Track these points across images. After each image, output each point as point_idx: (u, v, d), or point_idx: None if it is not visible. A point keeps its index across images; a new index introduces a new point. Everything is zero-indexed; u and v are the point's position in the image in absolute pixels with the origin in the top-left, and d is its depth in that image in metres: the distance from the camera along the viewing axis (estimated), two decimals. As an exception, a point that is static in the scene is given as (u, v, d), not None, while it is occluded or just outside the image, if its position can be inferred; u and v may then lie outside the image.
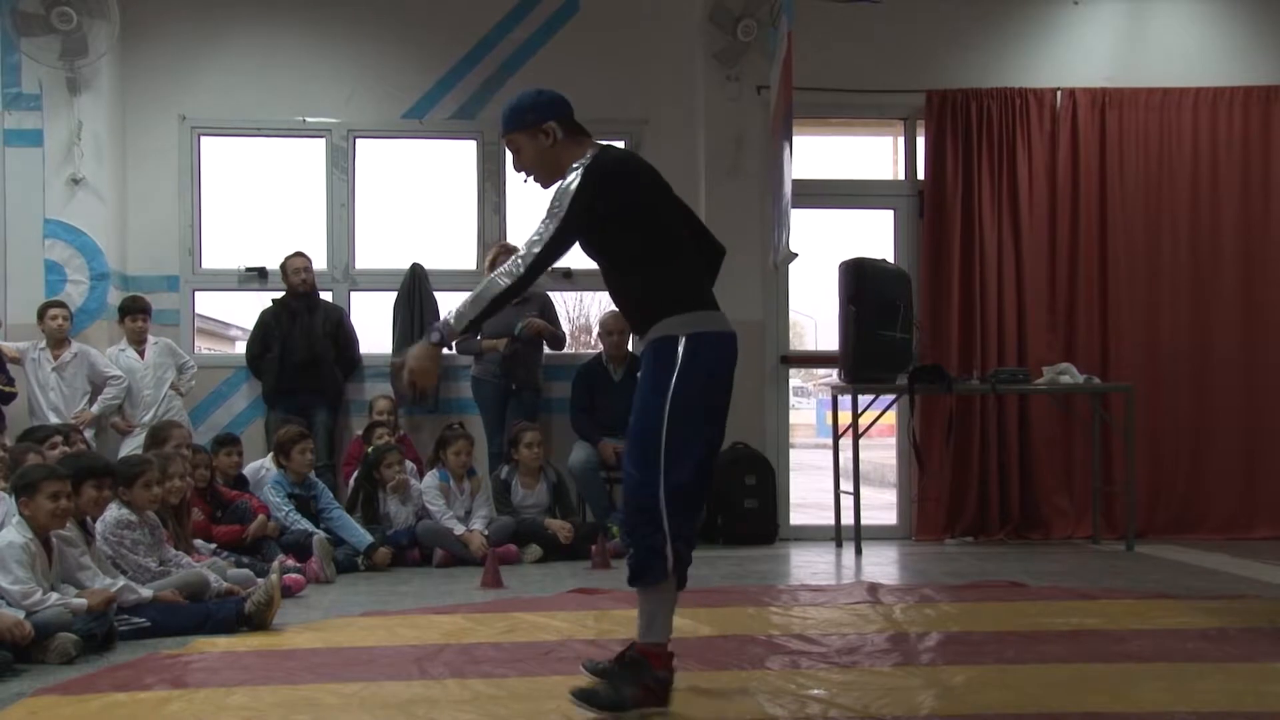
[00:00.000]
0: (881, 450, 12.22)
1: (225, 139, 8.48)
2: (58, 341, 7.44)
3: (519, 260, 3.48)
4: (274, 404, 7.90)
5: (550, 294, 8.27)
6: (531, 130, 3.63)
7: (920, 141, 8.58)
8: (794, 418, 11.74)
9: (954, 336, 8.29)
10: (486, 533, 6.99)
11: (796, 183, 7.65)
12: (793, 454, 8.97)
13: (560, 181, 3.52)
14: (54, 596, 4.34)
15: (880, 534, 8.37)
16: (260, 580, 5.11)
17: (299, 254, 7.96)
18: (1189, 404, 8.39)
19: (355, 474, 7.40)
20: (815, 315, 17.49)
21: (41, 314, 7.44)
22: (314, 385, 7.89)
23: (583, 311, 16.18)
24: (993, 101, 8.42)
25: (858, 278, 7.69)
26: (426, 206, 8.90)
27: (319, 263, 8.25)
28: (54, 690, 3.77)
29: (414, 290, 8.16)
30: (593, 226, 3.53)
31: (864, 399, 7.72)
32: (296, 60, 8.40)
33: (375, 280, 8.44)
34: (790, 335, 9.17)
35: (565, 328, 8.54)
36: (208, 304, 9.55)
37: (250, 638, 4.61)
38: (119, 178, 8.16)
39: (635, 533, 3.46)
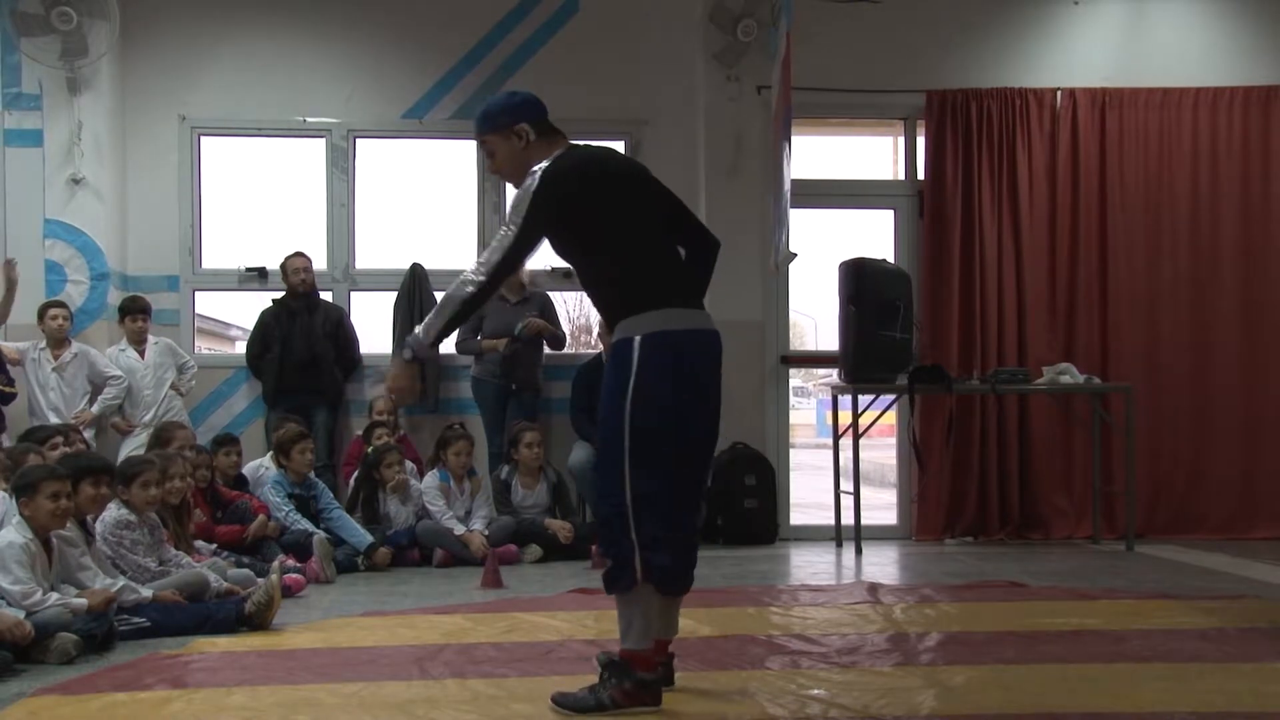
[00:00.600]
0: (881, 450, 12.22)
1: (225, 139, 8.47)
2: (58, 341, 7.44)
3: (480, 266, 3.48)
4: (274, 404, 7.89)
5: (550, 294, 8.28)
6: (505, 132, 3.64)
7: (920, 141, 8.58)
8: (794, 418, 11.73)
9: (954, 336, 8.29)
10: (486, 533, 6.99)
11: (796, 182, 7.66)
12: (793, 454, 8.97)
13: (522, 184, 3.52)
14: (54, 596, 4.34)
15: (880, 534, 8.37)
16: (260, 580, 5.11)
17: (299, 254, 7.97)
18: (1189, 404, 8.39)
19: (355, 474, 7.41)
20: (815, 315, 17.50)
21: (41, 314, 7.44)
22: (314, 385, 7.89)
23: (583, 311, 16.15)
24: (993, 101, 8.42)
25: (858, 278, 7.70)
26: (426, 207, 8.90)
27: (319, 263, 8.25)
28: (54, 690, 3.77)
29: (414, 290, 8.16)
30: (551, 230, 3.53)
31: (864, 399, 7.72)
32: (297, 60, 8.40)
33: (375, 280, 8.44)
34: (790, 335, 9.17)
35: (565, 328, 8.54)
36: (208, 304, 9.54)
37: (250, 638, 4.61)
38: (119, 178, 8.16)
39: (604, 541, 3.47)
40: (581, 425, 7.82)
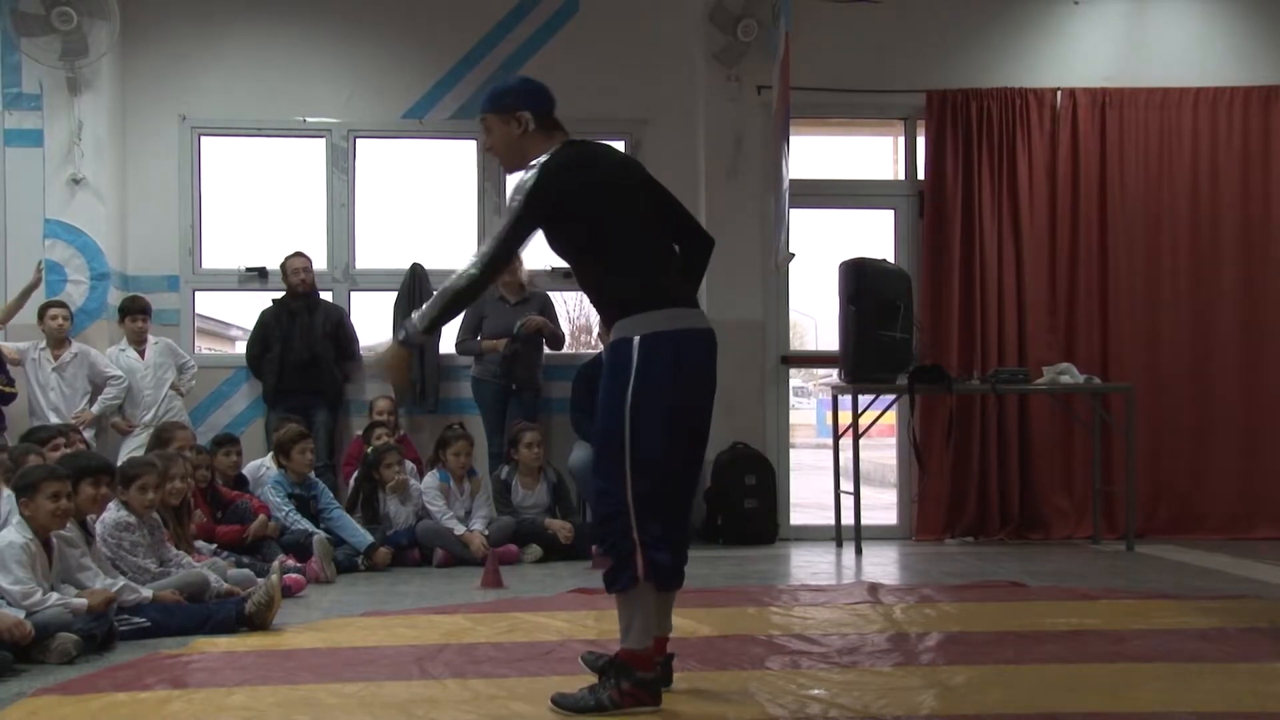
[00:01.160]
0: (882, 450, 12.22)
1: (225, 139, 8.48)
2: (58, 341, 7.44)
3: (476, 258, 3.49)
4: (274, 404, 7.89)
5: (550, 294, 8.27)
6: (505, 115, 3.64)
7: (920, 141, 8.58)
8: (794, 418, 11.73)
9: (954, 336, 8.29)
10: (487, 533, 6.99)
11: (797, 182, 7.66)
12: (793, 454, 8.97)
13: (521, 177, 3.53)
14: (54, 596, 4.34)
15: (880, 534, 8.37)
16: (260, 580, 5.11)
17: (299, 254, 7.97)
18: (1189, 404, 8.39)
19: (355, 474, 7.40)
20: (815, 315, 17.51)
21: (41, 314, 7.44)
22: (314, 385, 7.89)
23: (583, 311, 16.16)
24: (993, 101, 8.42)
25: (858, 278, 7.69)
26: (426, 207, 8.90)
27: (319, 263, 8.25)
28: (54, 690, 3.77)
29: (414, 290, 8.15)
30: (547, 225, 3.54)
31: (864, 399, 7.72)
32: (297, 60, 8.40)
33: (375, 280, 8.44)
34: (790, 335, 9.17)
35: (565, 328, 8.54)
36: (208, 304, 9.53)
37: (250, 638, 4.61)
38: (119, 178, 8.16)
39: (605, 540, 3.47)
40: (581, 425, 7.80)
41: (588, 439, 7.70)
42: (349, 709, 3.52)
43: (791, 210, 7.71)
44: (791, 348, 9.23)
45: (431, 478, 7.17)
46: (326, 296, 8.20)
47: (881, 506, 9.32)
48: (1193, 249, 8.46)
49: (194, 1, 8.30)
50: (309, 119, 8.39)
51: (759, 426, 8.28)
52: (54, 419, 7.11)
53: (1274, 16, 8.64)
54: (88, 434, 7.13)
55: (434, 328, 3.59)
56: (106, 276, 7.90)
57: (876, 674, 3.95)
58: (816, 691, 3.71)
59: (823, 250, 8.83)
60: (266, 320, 7.99)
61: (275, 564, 5.54)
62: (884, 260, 7.99)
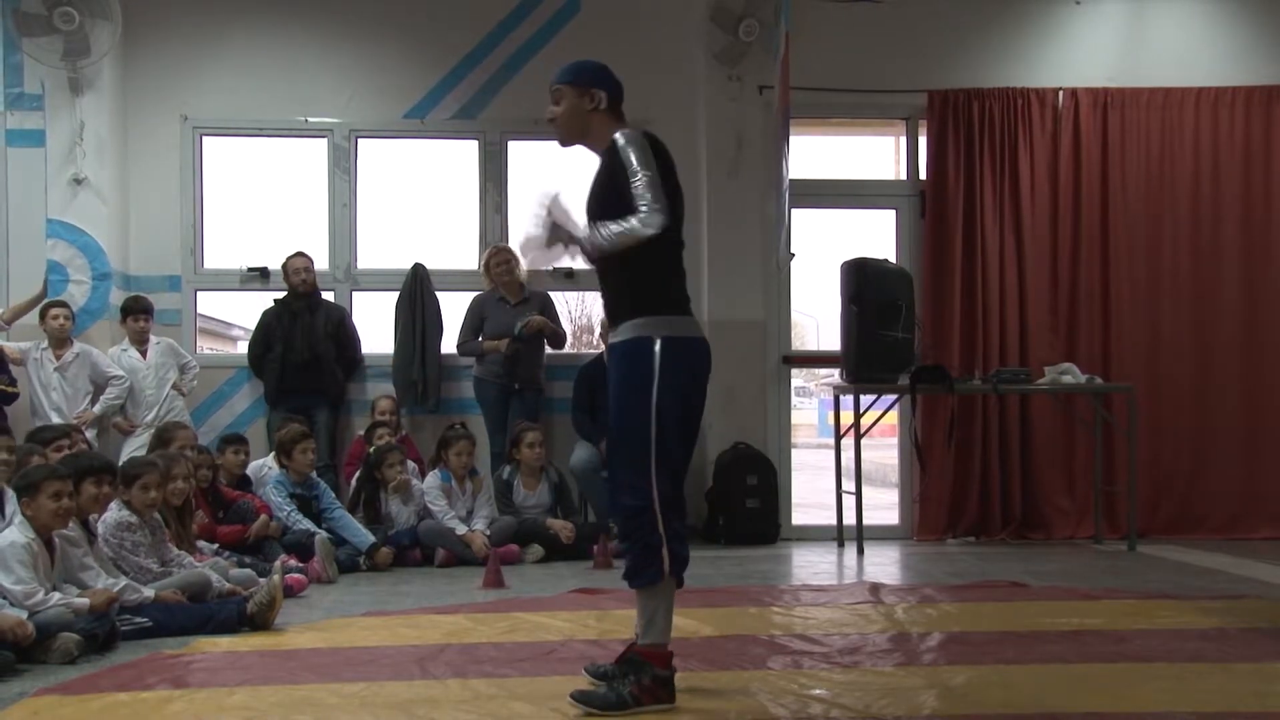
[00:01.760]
0: (883, 450, 12.22)
1: (227, 139, 8.48)
2: (60, 341, 7.45)
3: (645, 209, 3.42)
4: (276, 404, 7.90)
5: (551, 294, 8.27)
6: (582, 88, 3.70)
7: (922, 141, 8.58)
8: (796, 418, 11.74)
9: (955, 336, 8.29)
10: (488, 533, 7.00)
11: (798, 182, 7.66)
12: (794, 454, 8.97)
13: (620, 146, 3.53)
14: (56, 596, 4.34)
15: (882, 534, 8.37)
16: (262, 580, 5.12)
17: (300, 254, 7.97)
18: (1190, 404, 8.39)
19: (357, 474, 7.41)
20: (817, 315, 17.48)
21: (43, 314, 7.45)
22: (315, 385, 7.89)
23: (584, 311, 16.16)
24: (994, 101, 8.42)
25: (859, 277, 7.69)
26: (428, 207, 8.90)
27: (320, 263, 8.25)
28: (56, 690, 3.78)
29: (416, 290, 8.16)
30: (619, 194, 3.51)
31: (866, 399, 7.72)
32: (298, 60, 8.40)
33: (377, 280, 8.44)
34: (792, 335, 9.17)
35: (566, 327, 8.53)
36: (209, 304, 9.54)
37: (252, 638, 4.62)
38: (121, 178, 8.16)
39: (632, 535, 3.50)
40: (583, 425, 7.82)
41: (589, 439, 7.73)
42: (350, 709, 3.53)
43: (793, 210, 7.71)
44: (793, 348, 9.24)
45: (433, 478, 7.18)
46: (328, 296, 8.20)
47: (883, 506, 9.32)
48: (1194, 249, 8.46)
49: (196, 2, 8.31)
50: (310, 119, 8.39)
51: (760, 426, 8.28)
52: (56, 419, 7.11)
53: (1275, 17, 8.64)
54: (89, 434, 7.14)
55: (604, 254, 3.53)
56: (108, 276, 7.90)
57: (878, 674, 3.96)
58: (818, 691, 3.71)
59: (824, 250, 8.83)
60: (268, 320, 7.99)
61: (277, 564, 5.55)
62: (885, 260, 8.00)
